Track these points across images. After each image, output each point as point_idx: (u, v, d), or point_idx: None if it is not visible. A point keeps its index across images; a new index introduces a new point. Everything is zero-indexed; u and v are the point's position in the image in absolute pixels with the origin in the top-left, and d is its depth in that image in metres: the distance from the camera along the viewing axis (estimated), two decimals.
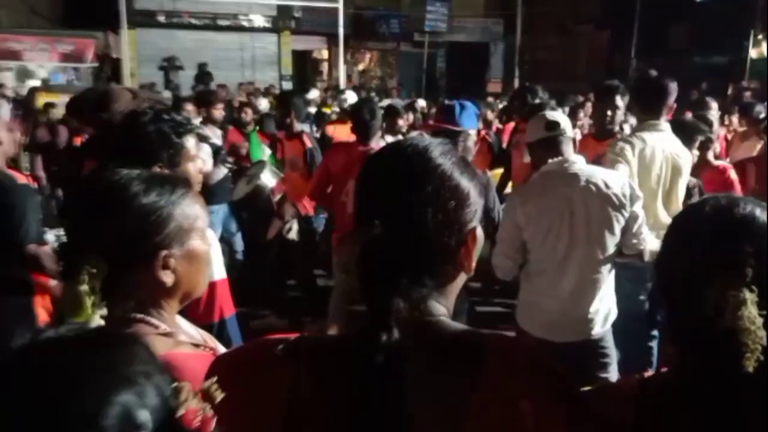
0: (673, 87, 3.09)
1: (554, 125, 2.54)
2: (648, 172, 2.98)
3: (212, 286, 1.70)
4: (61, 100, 8.50)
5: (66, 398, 0.52)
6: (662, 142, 3.03)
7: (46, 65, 13.30)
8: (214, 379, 0.70)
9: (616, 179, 2.51)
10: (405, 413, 0.76)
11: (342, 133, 6.08)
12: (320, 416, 0.79)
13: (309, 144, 4.58)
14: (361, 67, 21.61)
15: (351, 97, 6.47)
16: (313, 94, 10.80)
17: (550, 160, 2.53)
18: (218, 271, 1.75)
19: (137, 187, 1.09)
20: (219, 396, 0.67)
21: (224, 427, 0.68)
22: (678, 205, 3.07)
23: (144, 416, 0.54)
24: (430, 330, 0.83)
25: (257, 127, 6.36)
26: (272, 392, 0.82)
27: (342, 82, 16.72)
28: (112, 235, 1.07)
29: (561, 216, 2.45)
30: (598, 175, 2.50)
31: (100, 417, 0.52)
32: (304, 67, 20.60)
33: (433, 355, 0.81)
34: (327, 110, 8.66)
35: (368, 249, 0.81)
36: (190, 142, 1.83)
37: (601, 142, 3.67)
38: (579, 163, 2.54)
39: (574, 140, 2.62)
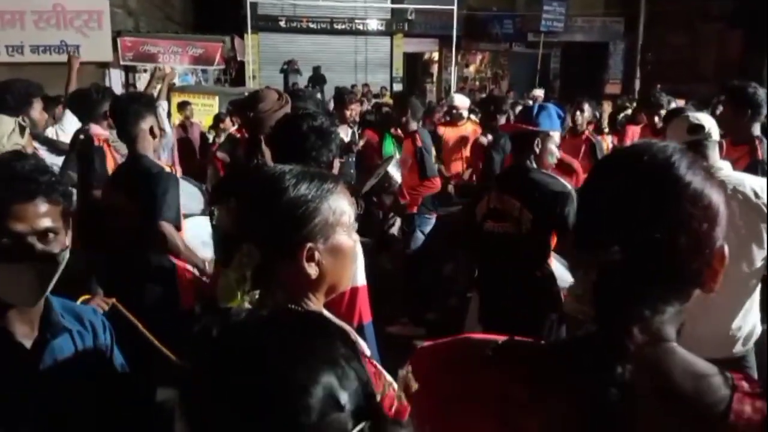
0: None
1: (698, 128, 2.40)
2: None
3: (354, 291, 1.73)
4: (194, 100, 9.12)
5: (277, 376, 0.55)
6: None
7: (178, 68, 14.22)
8: (410, 368, 0.70)
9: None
10: None
11: (452, 134, 6.15)
12: (533, 427, 0.77)
13: (420, 143, 4.67)
14: (471, 68, 21.46)
15: (458, 100, 6.50)
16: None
17: None
18: (360, 276, 1.78)
19: (289, 181, 1.13)
20: (414, 386, 0.68)
21: (427, 420, 0.69)
22: None
23: (344, 398, 0.56)
24: (665, 365, 0.77)
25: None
26: (483, 394, 0.80)
27: (453, 84, 16.70)
28: (262, 226, 1.12)
29: None
30: (747, 183, 2.32)
31: (306, 396, 0.54)
32: (415, 69, 20.77)
33: (668, 396, 0.75)
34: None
35: (608, 277, 0.75)
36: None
37: (737, 148, 3.45)
38: (725, 170, 2.37)
39: (721, 144, 2.46)
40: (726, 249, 0.78)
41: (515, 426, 0.77)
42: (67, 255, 1.31)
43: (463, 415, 0.81)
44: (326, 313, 1.27)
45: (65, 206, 1.31)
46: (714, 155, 2.41)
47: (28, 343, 1.30)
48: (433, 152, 4.80)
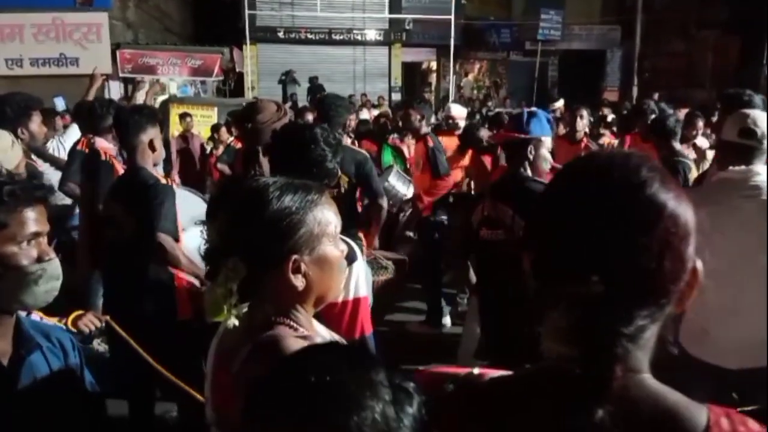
0: None
1: (750, 134, 2.34)
2: None
3: (356, 302, 1.74)
4: (193, 111, 9.18)
5: (340, 409, 0.61)
6: None
7: (177, 79, 14.29)
8: None
9: None
10: None
11: (449, 144, 6.21)
12: None
13: (432, 143, 4.79)
14: (470, 77, 21.55)
15: (454, 109, 6.57)
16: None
17: (731, 168, 2.35)
18: (362, 287, 1.77)
19: (272, 193, 1.13)
20: None
21: None
22: None
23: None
24: (643, 403, 0.72)
25: (389, 137, 6.86)
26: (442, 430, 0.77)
27: (451, 93, 16.77)
28: (247, 239, 1.12)
29: (736, 229, 2.15)
30: None
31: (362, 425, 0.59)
32: (414, 79, 20.84)
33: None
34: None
35: (589, 311, 0.70)
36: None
37: None
38: (763, 175, 2.30)
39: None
40: (699, 265, 0.75)
41: None
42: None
43: None
44: (316, 323, 1.28)
45: (49, 211, 1.37)
46: (758, 160, 2.33)
47: (5, 360, 1.31)
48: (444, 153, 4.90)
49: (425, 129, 4.93)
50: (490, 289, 2.88)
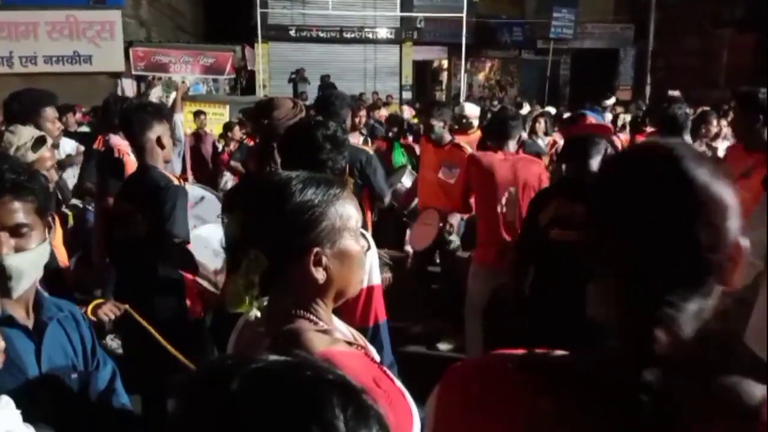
0: None
1: None
2: None
3: (370, 290, 1.74)
4: (205, 109, 9.22)
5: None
6: None
7: (189, 77, 14.36)
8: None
9: None
10: None
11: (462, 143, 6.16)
12: None
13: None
14: (481, 76, 21.49)
15: (468, 108, 6.50)
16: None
17: None
18: (376, 275, 1.78)
19: (295, 186, 1.14)
20: None
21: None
22: None
23: None
24: (692, 369, 0.75)
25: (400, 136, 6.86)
26: (508, 406, 0.79)
27: (462, 92, 16.72)
28: (269, 231, 1.12)
29: None
30: None
31: None
32: (425, 77, 20.82)
33: (702, 400, 0.74)
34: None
35: (625, 273, 0.76)
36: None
37: (752, 154, 3.41)
38: None
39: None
40: (744, 243, 0.78)
41: None
42: (47, 248, 1.43)
43: (488, 426, 0.81)
44: (336, 321, 1.26)
45: (40, 204, 1.41)
46: None
47: (30, 325, 1.43)
48: None
49: (448, 137, 4.72)
50: (554, 289, 2.73)
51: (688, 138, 4.27)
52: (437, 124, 4.62)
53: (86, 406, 1.46)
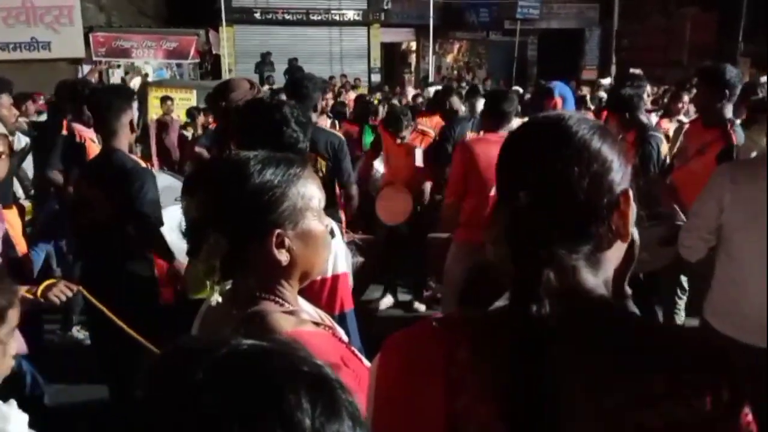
0: None
1: None
2: None
3: (335, 278, 1.72)
4: (170, 94, 9.04)
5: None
6: None
7: (152, 62, 14.07)
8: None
9: None
10: (551, 388, 0.76)
11: (429, 124, 6.18)
12: (476, 383, 0.81)
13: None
14: (449, 58, 21.47)
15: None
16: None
17: None
18: (341, 264, 1.76)
19: (254, 167, 1.11)
20: None
21: (386, 399, 0.73)
22: None
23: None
24: (579, 302, 0.82)
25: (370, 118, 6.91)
26: (431, 360, 0.85)
27: (431, 74, 16.69)
28: (229, 213, 1.10)
29: None
30: None
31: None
32: (393, 59, 20.71)
33: (583, 330, 0.80)
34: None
35: (515, 219, 0.83)
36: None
37: (709, 130, 3.48)
38: None
39: None
40: (631, 192, 0.86)
41: (461, 385, 0.81)
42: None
43: (415, 382, 0.85)
44: (300, 298, 1.25)
45: None
46: None
47: None
48: None
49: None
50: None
51: (644, 118, 4.25)
52: (407, 134, 4.90)
53: None
